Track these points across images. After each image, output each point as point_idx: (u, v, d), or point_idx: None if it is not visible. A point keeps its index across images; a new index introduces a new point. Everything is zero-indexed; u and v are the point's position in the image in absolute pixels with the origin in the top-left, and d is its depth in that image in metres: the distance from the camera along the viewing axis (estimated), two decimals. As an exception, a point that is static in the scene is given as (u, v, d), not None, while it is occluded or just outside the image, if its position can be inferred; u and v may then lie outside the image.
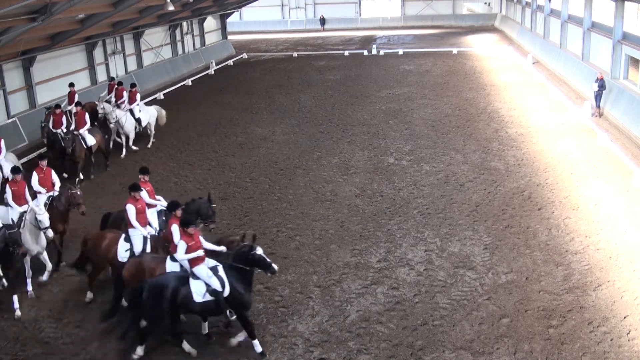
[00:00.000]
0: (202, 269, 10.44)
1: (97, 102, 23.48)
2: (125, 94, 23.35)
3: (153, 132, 23.91)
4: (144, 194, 12.61)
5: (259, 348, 10.63)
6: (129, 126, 22.50)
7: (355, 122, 26.54)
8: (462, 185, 18.46)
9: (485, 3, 69.99)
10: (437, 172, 19.70)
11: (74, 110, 20.16)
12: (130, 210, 11.93)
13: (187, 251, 10.42)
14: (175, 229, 10.91)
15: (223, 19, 50.41)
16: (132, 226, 11.99)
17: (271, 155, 22.30)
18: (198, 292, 10.28)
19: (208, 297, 10.29)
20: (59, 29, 25.53)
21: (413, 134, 24.16)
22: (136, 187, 12.22)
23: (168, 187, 19.24)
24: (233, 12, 52.99)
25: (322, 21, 67.29)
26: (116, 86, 24.00)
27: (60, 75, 28.41)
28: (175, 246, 10.76)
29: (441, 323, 11.38)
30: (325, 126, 26.07)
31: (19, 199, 13.44)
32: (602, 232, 14.82)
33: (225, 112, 29.41)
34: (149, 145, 23.46)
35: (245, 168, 20.94)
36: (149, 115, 23.63)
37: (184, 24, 42.24)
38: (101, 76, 31.80)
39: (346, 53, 47.80)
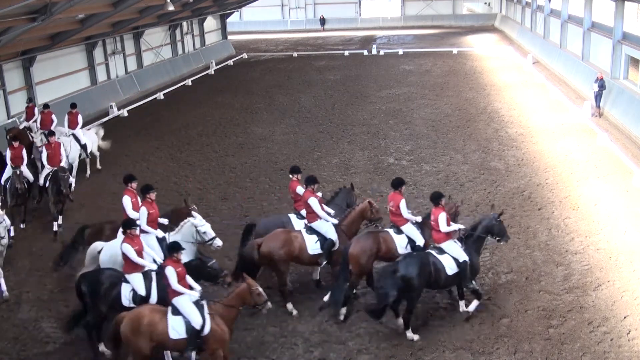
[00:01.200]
0: (451, 244, 11.09)
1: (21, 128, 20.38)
2: (54, 117, 20.32)
3: (98, 154, 21.09)
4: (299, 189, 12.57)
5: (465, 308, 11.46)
6: (74, 154, 19.27)
7: (355, 122, 26.54)
8: (462, 185, 18.46)
9: (485, 3, 69.99)
10: (437, 172, 19.70)
11: (51, 140, 16.65)
12: (314, 202, 11.84)
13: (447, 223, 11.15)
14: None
15: (223, 19, 50.43)
16: (317, 217, 11.86)
17: (271, 155, 22.30)
18: (449, 266, 10.93)
19: (455, 270, 10.94)
20: (59, 29, 25.55)
21: (413, 134, 24.16)
22: (314, 180, 12.18)
23: (168, 186, 19.25)
24: (233, 12, 53.02)
25: (322, 21, 67.28)
26: (42, 109, 20.53)
27: (60, 75, 28.46)
28: (403, 219, 11.62)
29: (441, 323, 11.38)
30: (325, 126, 26.07)
31: (155, 223, 11.71)
32: (602, 232, 14.82)
33: (225, 112, 29.41)
34: (99, 167, 21.09)
35: (245, 168, 20.94)
36: (91, 140, 20.67)
37: (184, 24, 42.25)
38: (101, 76, 31.84)
39: (346, 53, 47.79)
